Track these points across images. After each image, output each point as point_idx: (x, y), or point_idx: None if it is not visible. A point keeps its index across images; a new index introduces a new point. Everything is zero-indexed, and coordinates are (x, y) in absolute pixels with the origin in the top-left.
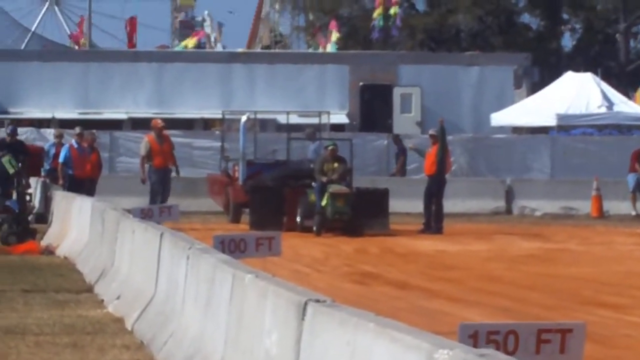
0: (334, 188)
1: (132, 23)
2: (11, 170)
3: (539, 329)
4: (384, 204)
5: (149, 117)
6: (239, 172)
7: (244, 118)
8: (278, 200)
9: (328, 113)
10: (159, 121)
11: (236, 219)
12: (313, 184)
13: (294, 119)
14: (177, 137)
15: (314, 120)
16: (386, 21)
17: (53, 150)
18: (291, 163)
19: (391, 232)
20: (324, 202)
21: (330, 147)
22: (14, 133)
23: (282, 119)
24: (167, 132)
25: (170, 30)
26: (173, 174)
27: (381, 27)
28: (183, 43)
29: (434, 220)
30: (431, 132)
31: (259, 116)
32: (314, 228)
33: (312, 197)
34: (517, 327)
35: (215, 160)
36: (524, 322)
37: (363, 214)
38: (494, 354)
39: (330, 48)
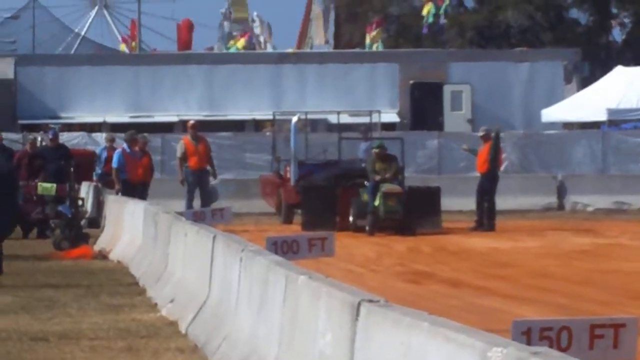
0: (386, 187)
1: (185, 26)
2: (53, 192)
3: (591, 324)
4: (436, 202)
5: (200, 119)
6: (291, 173)
7: (294, 118)
8: (330, 201)
9: (379, 112)
10: (192, 121)
11: (288, 220)
12: (366, 183)
13: (345, 119)
14: (228, 139)
15: (365, 120)
16: (435, 17)
17: (105, 155)
18: (343, 163)
19: (443, 230)
20: (376, 202)
21: (376, 150)
22: (55, 137)
23: (332, 118)
24: (219, 133)
25: (216, 34)
26: (214, 180)
27: (430, 24)
28: (232, 43)
29: (486, 218)
30: (481, 133)
31: (310, 116)
32: (367, 227)
33: (365, 196)
34: (570, 323)
35: (266, 161)
36: (577, 317)
37: (415, 212)
38: (548, 352)
39: (377, 47)
